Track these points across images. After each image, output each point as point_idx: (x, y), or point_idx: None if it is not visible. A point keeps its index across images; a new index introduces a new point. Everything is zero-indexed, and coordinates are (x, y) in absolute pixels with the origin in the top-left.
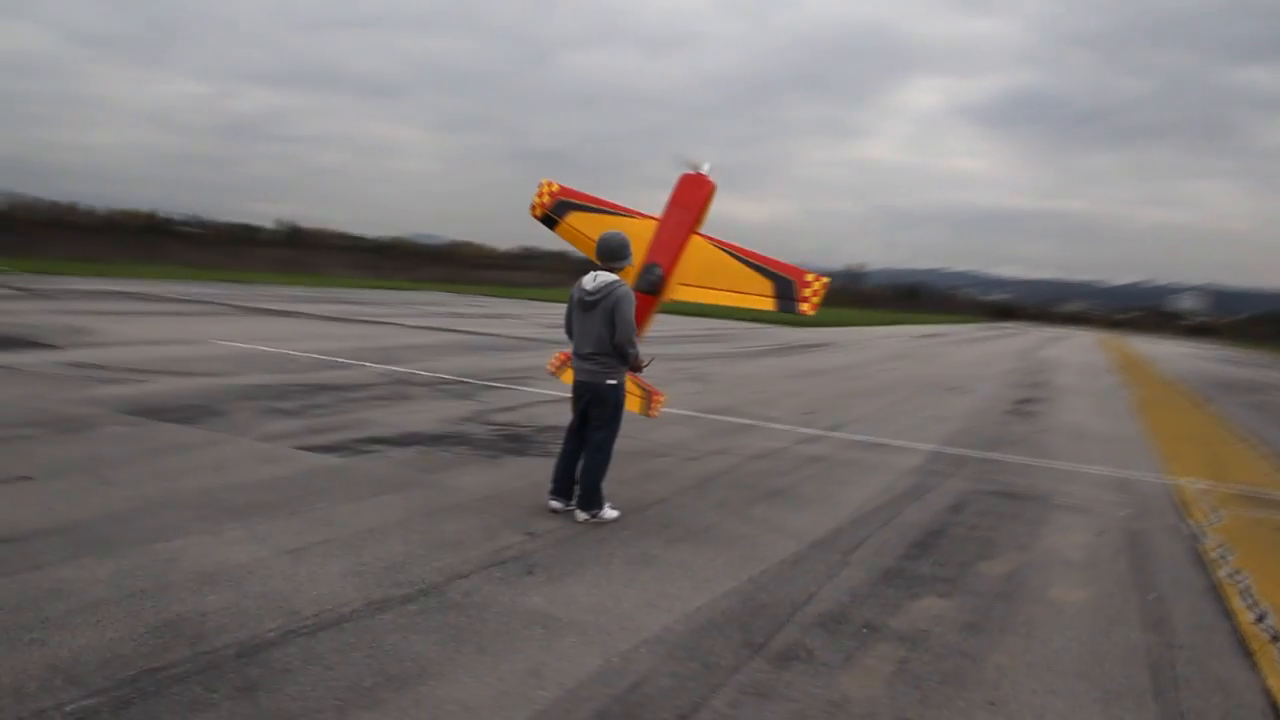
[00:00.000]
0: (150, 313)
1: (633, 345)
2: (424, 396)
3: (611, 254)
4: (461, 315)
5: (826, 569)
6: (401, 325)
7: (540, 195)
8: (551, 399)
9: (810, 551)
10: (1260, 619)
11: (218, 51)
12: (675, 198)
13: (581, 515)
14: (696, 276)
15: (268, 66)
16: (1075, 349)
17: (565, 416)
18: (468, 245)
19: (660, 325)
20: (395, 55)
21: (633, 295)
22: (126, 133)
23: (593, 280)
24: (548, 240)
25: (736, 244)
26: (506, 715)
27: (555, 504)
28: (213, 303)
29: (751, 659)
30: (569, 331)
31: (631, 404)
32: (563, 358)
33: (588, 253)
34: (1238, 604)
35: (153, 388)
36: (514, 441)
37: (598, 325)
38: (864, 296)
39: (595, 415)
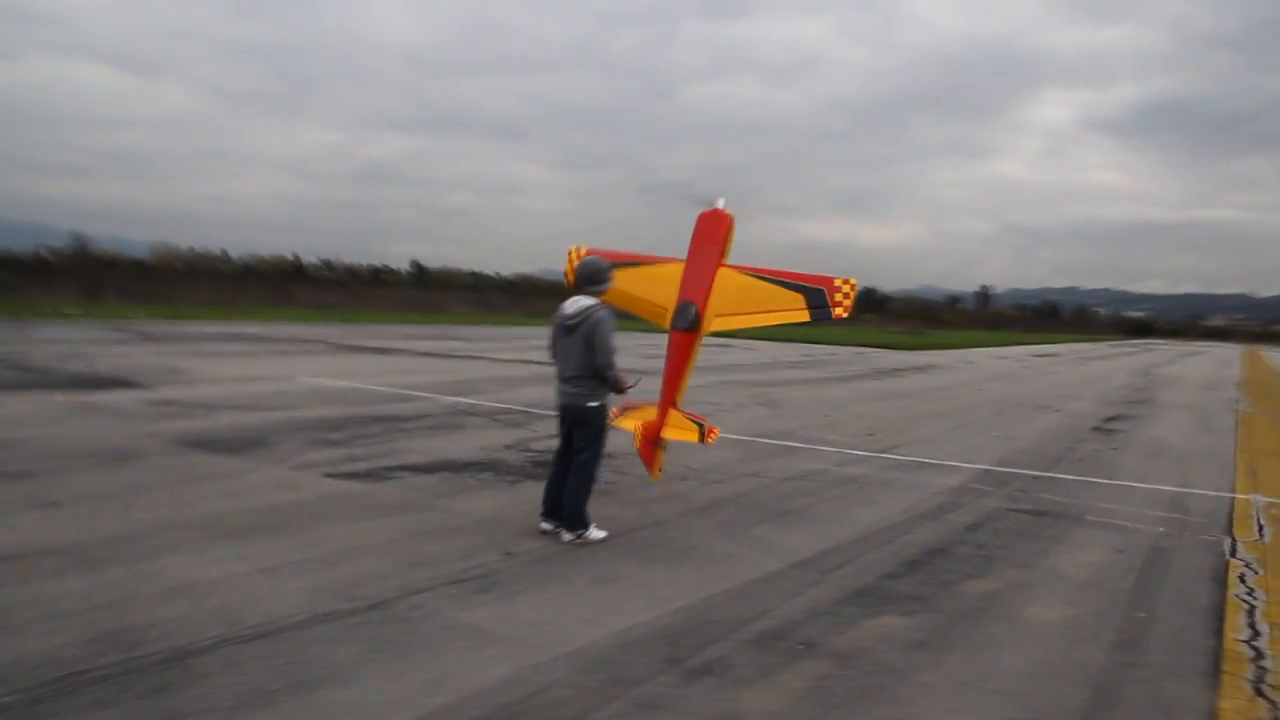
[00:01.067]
0: (252, 353)
1: (611, 368)
2: (477, 426)
3: (590, 279)
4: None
5: (796, 587)
6: (495, 359)
7: (570, 262)
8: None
9: (788, 570)
10: (1251, 639)
11: (351, 101)
12: (697, 235)
13: (567, 536)
14: (731, 305)
15: (399, 113)
16: (1207, 365)
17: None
18: None
19: (753, 353)
20: (520, 96)
21: (612, 319)
22: (268, 182)
23: (573, 305)
24: None
25: (763, 267)
26: (389, 718)
27: (545, 525)
28: (319, 342)
29: (664, 673)
30: (553, 355)
31: (688, 435)
32: (618, 410)
33: (623, 306)
34: (1235, 623)
35: (216, 422)
36: (541, 468)
37: (578, 349)
38: (992, 318)
39: (579, 437)
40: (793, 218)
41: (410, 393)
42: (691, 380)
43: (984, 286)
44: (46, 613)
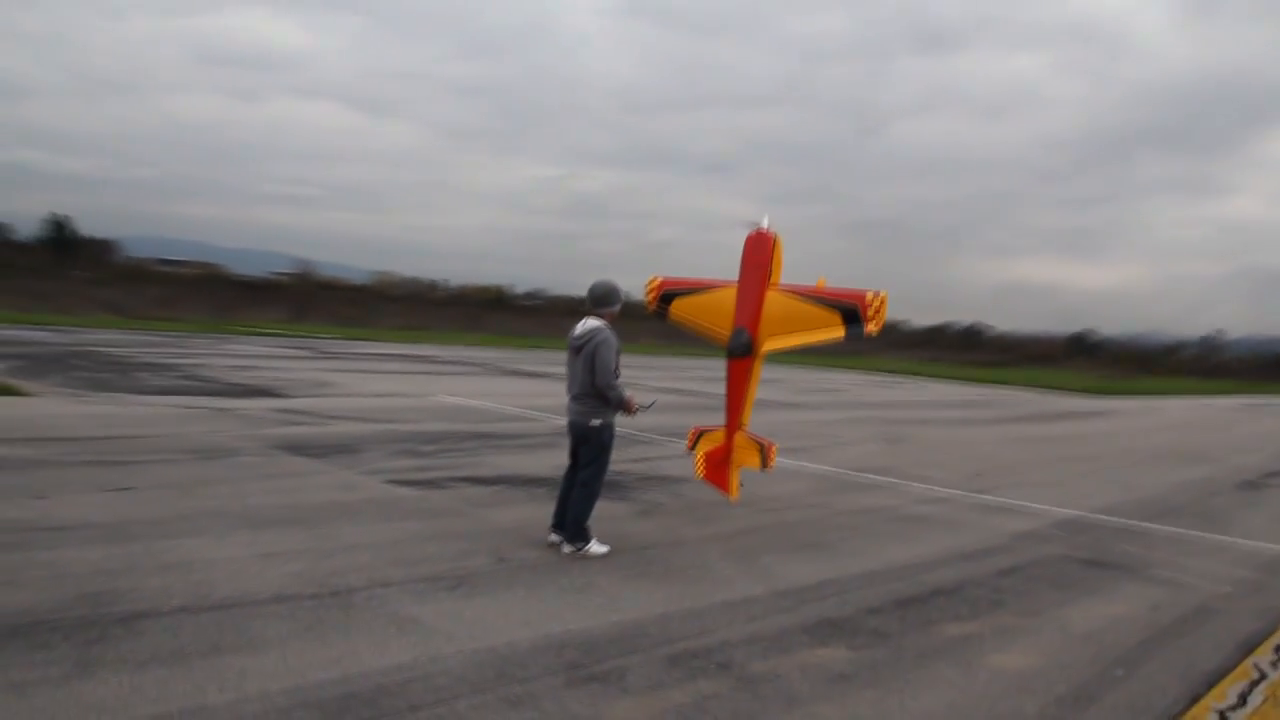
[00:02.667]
0: (411, 372)
1: (611, 389)
2: (564, 446)
3: (597, 300)
4: (706, 380)
5: (761, 612)
6: (645, 386)
7: (649, 291)
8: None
9: (766, 597)
10: (1231, 708)
11: (565, 137)
12: (744, 259)
13: (567, 549)
14: (779, 327)
15: (610, 148)
16: None
17: (681, 468)
18: None
19: (922, 392)
20: (728, 132)
21: (612, 340)
22: (485, 215)
23: (581, 326)
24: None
25: (802, 286)
26: (270, 684)
27: (553, 537)
28: (484, 365)
29: (553, 676)
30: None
31: (750, 459)
32: (694, 434)
33: (696, 333)
34: (1223, 691)
35: (323, 429)
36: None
37: (582, 369)
38: (1216, 366)
39: (582, 454)
40: (1005, 257)
41: (531, 413)
42: (823, 415)
43: (1214, 332)
44: (52, 573)
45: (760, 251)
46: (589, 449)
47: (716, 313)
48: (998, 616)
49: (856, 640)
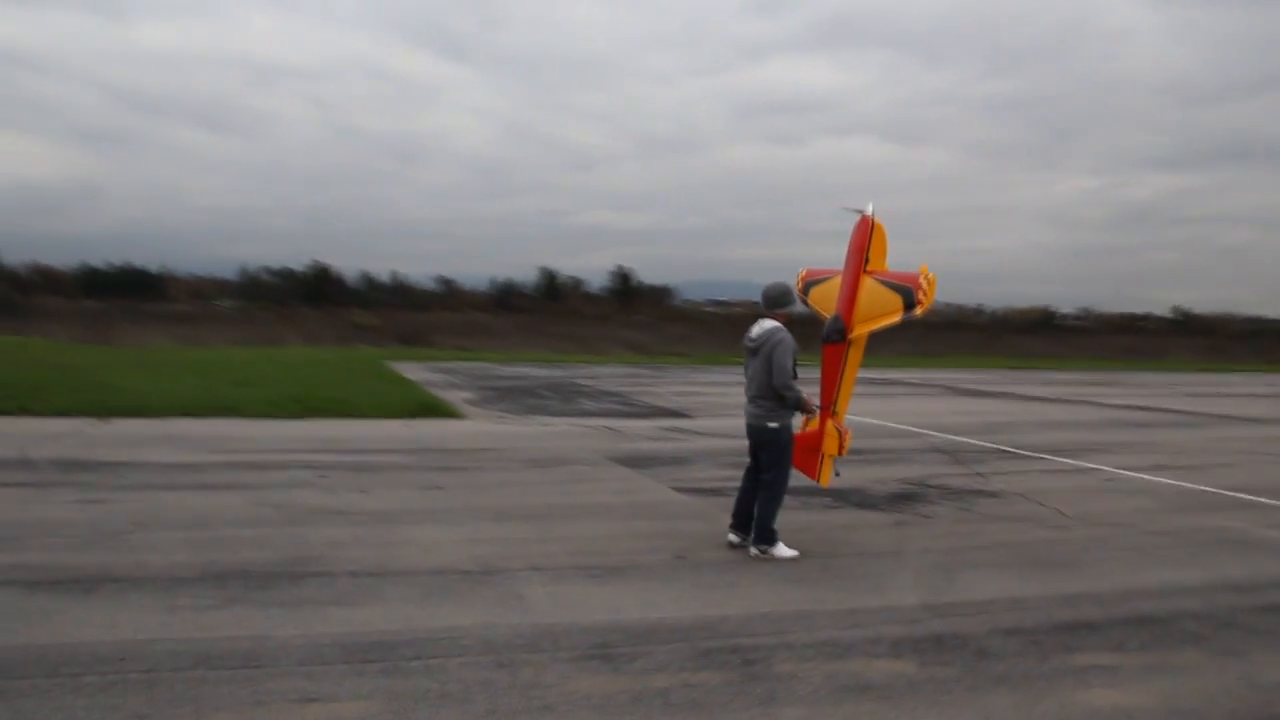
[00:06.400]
0: (865, 394)
1: (789, 389)
2: (915, 461)
3: (772, 302)
4: (1201, 395)
5: (873, 621)
6: (1099, 404)
7: (799, 281)
8: (1058, 469)
9: (906, 608)
10: None
11: (1109, 143)
12: (849, 246)
13: (753, 550)
14: (865, 313)
15: (1163, 149)
16: None
17: (1011, 484)
18: None
19: None
20: None
21: (789, 342)
22: (1025, 233)
23: (757, 328)
24: None
25: (877, 269)
26: (332, 628)
27: (732, 538)
28: (944, 387)
29: (568, 651)
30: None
31: (832, 448)
32: (805, 420)
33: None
34: None
35: (678, 445)
36: (893, 499)
37: (759, 370)
38: None
39: (763, 457)
40: None
41: (918, 430)
42: (1233, 431)
43: None
44: (294, 542)
45: (859, 238)
46: (769, 452)
47: (829, 300)
48: (1172, 653)
49: (941, 657)
